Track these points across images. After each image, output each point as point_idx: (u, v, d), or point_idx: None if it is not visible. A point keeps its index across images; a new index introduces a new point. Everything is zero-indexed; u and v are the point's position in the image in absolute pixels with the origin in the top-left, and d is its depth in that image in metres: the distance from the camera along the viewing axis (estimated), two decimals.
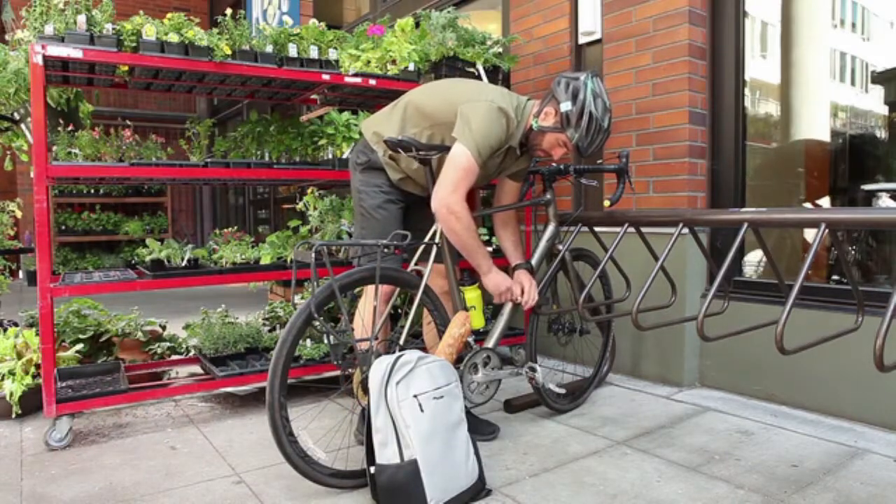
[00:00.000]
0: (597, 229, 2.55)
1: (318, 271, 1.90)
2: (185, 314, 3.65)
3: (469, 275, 2.53)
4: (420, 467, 1.70)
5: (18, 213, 3.60)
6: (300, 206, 3.33)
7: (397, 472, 1.71)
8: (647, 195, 3.07)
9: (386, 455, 1.73)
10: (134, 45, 2.36)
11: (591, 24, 3.29)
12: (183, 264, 2.62)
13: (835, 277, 2.88)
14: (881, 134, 3.08)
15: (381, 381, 1.74)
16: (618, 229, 2.22)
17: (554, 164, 2.58)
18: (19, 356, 2.61)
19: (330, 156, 3.09)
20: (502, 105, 2.16)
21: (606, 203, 2.43)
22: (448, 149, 2.14)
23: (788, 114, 3.32)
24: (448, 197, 2.10)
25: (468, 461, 1.84)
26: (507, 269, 2.45)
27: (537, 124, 2.23)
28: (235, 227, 3.12)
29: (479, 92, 2.22)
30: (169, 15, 2.48)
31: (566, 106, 2.16)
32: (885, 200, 2.73)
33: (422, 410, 1.74)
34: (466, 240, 2.16)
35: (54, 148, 2.53)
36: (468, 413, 2.05)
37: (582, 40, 3.39)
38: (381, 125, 2.33)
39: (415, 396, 1.75)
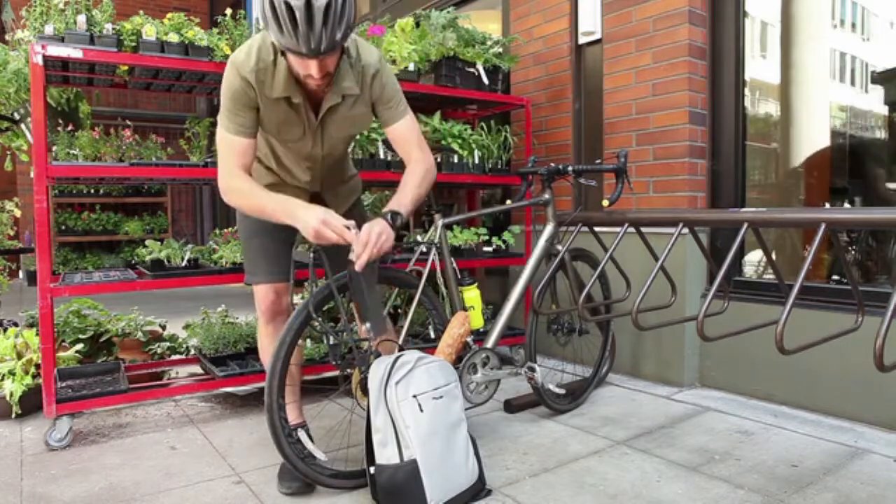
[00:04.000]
0: (597, 229, 2.55)
1: (316, 271, 1.89)
2: (185, 314, 3.65)
3: (469, 274, 2.53)
4: (420, 467, 1.70)
5: (17, 213, 3.60)
6: None
7: (397, 473, 1.71)
8: (647, 195, 3.07)
9: (385, 455, 1.73)
10: (134, 45, 2.36)
11: (591, 24, 3.29)
12: (183, 264, 2.62)
13: (835, 277, 2.88)
14: (881, 134, 3.08)
15: (381, 382, 1.74)
16: (618, 229, 2.22)
17: (552, 164, 2.58)
18: (19, 356, 2.61)
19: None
20: (236, 57, 1.73)
21: (605, 203, 2.43)
22: (444, 148, 2.10)
23: (788, 114, 3.32)
24: (222, 182, 1.78)
25: (468, 461, 1.84)
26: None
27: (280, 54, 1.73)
28: (235, 228, 3.12)
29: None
30: (169, 15, 2.48)
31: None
32: None
33: (421, 410, 1.74)
34: (254, 203, 1.76)
35: (54, 148, 2.53)
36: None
37: (582, 40, 3.39)
38: None
39: (414, 396, 1.75)
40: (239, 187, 1.77)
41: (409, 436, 1.71)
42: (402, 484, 1.70)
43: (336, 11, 1.55)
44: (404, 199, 1.85)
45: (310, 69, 1.63)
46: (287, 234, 2.07)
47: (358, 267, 1.69)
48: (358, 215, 2.11)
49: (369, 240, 1.69)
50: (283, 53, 1.69)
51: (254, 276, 2.05)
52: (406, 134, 1.94)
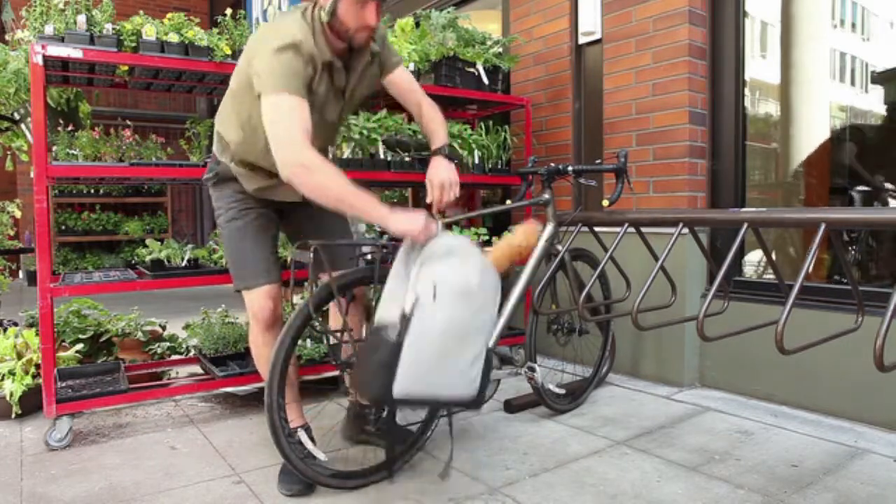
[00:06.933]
0: (597, 229, 2.55)
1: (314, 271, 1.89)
2: (185, 314, 3.65)
3: None
4: (403, 352, 1.54)
5: (18, 214, 3.60)
6: None
7: (379, 344, 1.57)
8: (647, 195, 3.07)
9: (381, 318, 1.63)
10: (134, 45, 2.36)
11: (591, 24, 3.29)
12: (183, 264, 2.62)
13: (835, 277, 2.88)
14: (881, 134, 3.08)
15: (411, 255, 1.62)
16: (618, 229, 2.22)
17: (552, 164, 2.58)
18: (19, 356, 2.61)
19: (330, 156, 3.09)
20: (281, 43, 1.71)
21: (605, 203, 2.43)
22: (437, 150, 2.06)
23: (788, 114, 3.32)
24: (289, 155, 1.65)
25: (470, 373, 1.66)
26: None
27: (326, 15, 1.78)
28: None
29: (260, 43, 1.77)
30: (169, 15, 2.48)
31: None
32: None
33: (434, 299, 1.56)
34: (335, 189, 1.65)
35: (54, 148, 2.53)
36: (392, 420, 1.98)
37: (582, 40, 3.39)
38: (220, 124, 2.00)
39: (435, 285, 1.57)
40: (313, 163, 1.63)
41: (412, 320, 1.55)
42: (376, 358, 1.57)
43: None
44: (444, 133, 2.06)
45: (367, 18, 1.78)
46: (274, 234, 2.06)
47: (444, 207, 1.74)
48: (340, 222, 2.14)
49: (446, 185, 1.83)
50: (329, 20, 1.77)
51: (251, 280, 1.97)
52: (410, 78, 2.13)
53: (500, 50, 3.38)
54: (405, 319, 1.56)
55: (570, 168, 2.54)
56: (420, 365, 1.57)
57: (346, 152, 2.90)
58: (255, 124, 1.80)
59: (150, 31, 2.37)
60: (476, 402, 1.72)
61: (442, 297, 1.56)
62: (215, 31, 2.55)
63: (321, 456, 1.91)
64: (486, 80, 3.21)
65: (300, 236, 2.05)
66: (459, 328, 1.60)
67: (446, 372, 1.62)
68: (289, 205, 2.05)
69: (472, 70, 3.16)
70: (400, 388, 1.55)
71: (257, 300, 1.98)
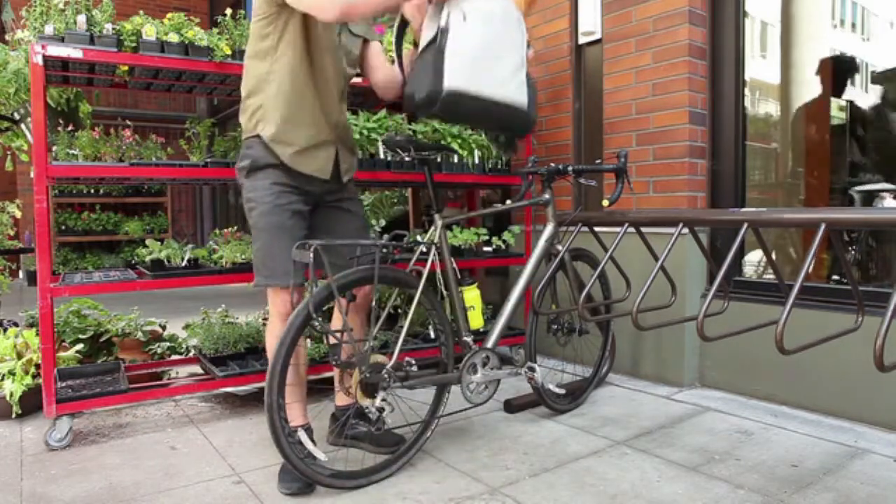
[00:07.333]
0: (597, 229, 2.55)
1: (316, 271, 1.89)
2: (185, 314, 3.65)
3: (469, 274, 2.52)
4: (446, 53, 1.78)
5: (18, 214, 3.60)
6: None
7: (423, 58, 1.81)
8: (647, 195, 3.07)
9: (425, 37, 1.84)
10: (134, 45, 2.36)
11: (591, 24, 3.29)
12: (183, 264, 2.62)
13: (835, 277, 2.88)
14: (881, 134, 3.07)
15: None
16: (618, 229, 2.22)
17: (552, 164, 2.58)
18: (19, 356, 2.61)
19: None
20: None
21: (605, 203, 2.43)
22: (444, 148, 2.13)
23: (788, 114, 3.32)
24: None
25: (515, 81, 1.94)
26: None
27: None
28: (235, 227, 3.12)
29: None
30: (169, 15, 2.48)
31: None
32: (888, 201, 2.73)
33: (465, 20, 1.80)
34: None
35: (54, 148, 2.53)
36: (378, 427, 1.94)
37: (582, 40, 3.39)
38: (247, 87, 2.05)
39: (464, 13, 1.81)
40: None
41: (449, 30, 1.78)
42: (423, 64, 1.80)
43: None
44: None
45: None
46: (305, 235, 2.09)
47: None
48: (355, 206, 2.23)
49: None
50: None
51: (283, 279, 1.97)
52: (385, 58, 2.26)
53: None
54: (442, 31, 1.81)
55: (570, 168, 2.55)
56: (465, 67, 1.82)
57: None
58: (290, 42, 1.95)
59: (150, 31, 2.37)
60: (528, 119, 2.02)
61: (471, 20, 1.82)
62: (215, 31, 2.54)
63: (321, 456, 1.91)
64: None
65: (316, 234, 2.11)
66: (493, 41, 1.89)
67: (493, 75, 1.89)
68: (317, 197, 2.11)
69: None
70: (451, 81, 1.79)
71: (284, 297, 2.00)
